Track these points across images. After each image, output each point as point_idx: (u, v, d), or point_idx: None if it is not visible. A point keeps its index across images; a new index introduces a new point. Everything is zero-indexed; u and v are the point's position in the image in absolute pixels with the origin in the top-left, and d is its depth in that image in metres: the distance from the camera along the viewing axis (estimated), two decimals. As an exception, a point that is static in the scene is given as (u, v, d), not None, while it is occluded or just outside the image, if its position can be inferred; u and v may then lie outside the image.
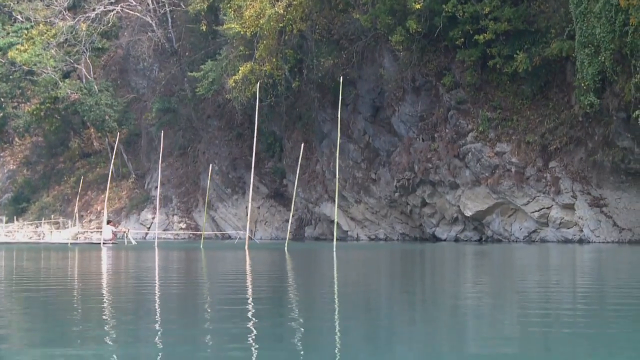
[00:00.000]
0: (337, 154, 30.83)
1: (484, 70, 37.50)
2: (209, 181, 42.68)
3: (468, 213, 37.51)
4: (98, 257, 24.94)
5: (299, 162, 34.59)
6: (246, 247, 30.20)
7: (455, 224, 39.10)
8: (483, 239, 38.61)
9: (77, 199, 47.77)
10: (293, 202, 35.46)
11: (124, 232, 40.81)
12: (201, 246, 31.68)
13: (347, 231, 44.53)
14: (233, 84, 42.04)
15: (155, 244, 35.71)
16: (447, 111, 38.42)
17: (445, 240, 39.47)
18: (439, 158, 38.24)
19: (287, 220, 51.00)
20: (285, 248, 28.75)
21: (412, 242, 40.66)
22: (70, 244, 39.16)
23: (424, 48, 38.74)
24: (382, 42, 40.37)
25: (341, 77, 38.56)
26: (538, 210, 35.91)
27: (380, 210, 42.94)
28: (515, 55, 35.82)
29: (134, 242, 39.38)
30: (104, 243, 37.65)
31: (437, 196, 38.99)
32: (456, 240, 39.21)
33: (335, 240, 30.59)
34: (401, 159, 39.78)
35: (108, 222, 40.39)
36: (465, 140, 37.48)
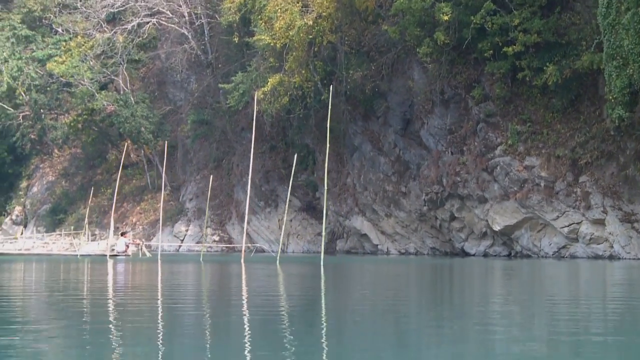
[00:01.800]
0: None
1: (513, 82, 37.54)
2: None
3: (496, 228, 37.49)
4: (144, 270, 25.50)
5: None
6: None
7: (484, 239, 39.09)
8: (512, 254, 38.53)
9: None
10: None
11: (139, 244, 41.41)
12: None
13: (377, 245, 44.73)
14: (262, 96, 42.56)
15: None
16: (476, 124, 38.50)
17: (474, 255, 39.46)
18: (467, 172, 38.30)
19: (319, 234, 51.46)
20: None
21: (441, 256, 40.68)
22: (109, 255, 39.78)
23: (453, 60, 38.91)
24: (412, 54, 40.62)
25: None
26: (568, 226, 35.76)
27: (410, 224, 43.07)
28: (545, 68, 35.77)
29: (148, 254, 39.94)
30: (115, 255, 38.29)
31: (466, 210, 39.04)
32: (485, 255, 39.18)
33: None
34: (430, 172, 39.92)
35: (122, 234, 41.06)
36: (494, 154, 37.51)
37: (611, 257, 34.67)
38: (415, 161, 41.94)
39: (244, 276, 21.50)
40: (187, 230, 57.24)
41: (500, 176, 37.11)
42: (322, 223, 51.27)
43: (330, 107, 31.95)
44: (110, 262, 31.62)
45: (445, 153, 39.66)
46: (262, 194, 53.15)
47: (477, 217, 38.58)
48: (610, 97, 32.00)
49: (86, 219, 51.25)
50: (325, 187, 31.79)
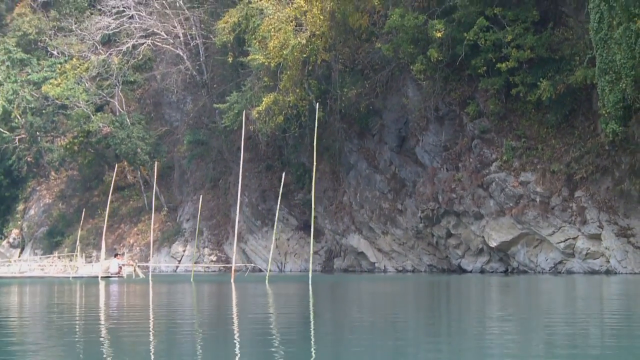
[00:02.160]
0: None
1: (507, 98, 37.68)
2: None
3: (493, 244, 37.51)
4: (135, 292, 25.53)
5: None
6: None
7: (480, 255, 39.10)
8: (509, 270, 38.53)
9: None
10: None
11: (132, 265, 41.42)
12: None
13: (374, 263, 44.72)
14: (257, 115, 42.68)
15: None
16: (471, 140, 38.61)
17: (471, 271, 39.46)
18: (463, 188, 38.37)
19: (316, 252, 51.45)
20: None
21: (439, 274, 40.67)
22: (101, 277, 39.73)
23: (447, 77, 39.07)
24: (406, 71, 40.78)
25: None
26: (564, 241, 35.79)
27: (407, 242, 43.09)
28: (539, 83, 35.91)
29: (142, 275, 39.95)
30: (108, 277, 38.30)
31: (462, 227, 39.07)
32: (482, 271, 39.18)
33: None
34: (425, 189, 39.98)
35: (116, 255, 41.09)
36: (489, 170, 37.60)
37: (608, 272, 34.69)
38: (411, 178, 42.01)
39: (230, 296, 21.57)
40: (184, 251, 57.20)
41: (496, 192, 37.18)
42: (319, 242, 51.54)
43: (316, 125, 32.38)
44: (102, 284, 31.62)
45: (440, 170, 39.74)
46: (258, 214, 53.16)
47: (473, 234, 38.61)
48: (604, 112, 32.13)
49: (78, 241, 51.11)
50: (313, 206, 32.22)
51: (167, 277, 45.93)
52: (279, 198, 34.76)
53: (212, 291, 24.92)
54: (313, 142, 46.11)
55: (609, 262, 34.79)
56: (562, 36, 36.88)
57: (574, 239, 35.65)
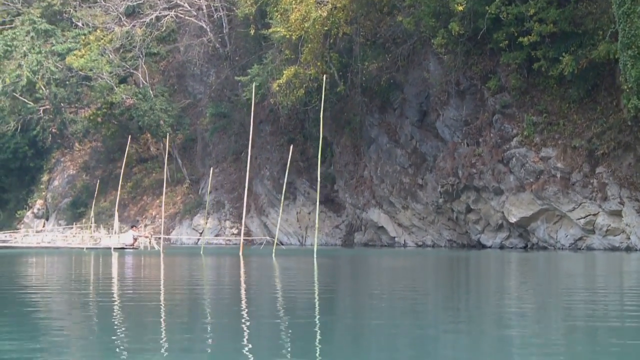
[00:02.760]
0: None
1: (529, 73, 37.38)
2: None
3: (512, 219, 37.42)
4: (141, 263, 25.80)
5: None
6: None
7: (500, 231, 39.03)
8: (528, 246, 38.44)
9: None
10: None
11: (147, 237, 41.67)
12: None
13: (394, 237, 44.78)
14: (277, 88, 42.70)
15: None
16: (492, 115, 38.43)
17: (490, 247, 39.40)
18: (483, 163, 38.24)
19: (338, 226, 51.59)
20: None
21: (458, 249, 40.65)
22: (114, 248, 40.08)
23: (468, 51, 38.83)
24: (427, 45, 40.58)
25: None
26: (584, 217, 35.62)
27: (427, 217, 43.07)
28: (561, 58, 35.57)
29: (157, 247, 40.20)
30: (122, 248, 38.61)
31: (482, 202, 38.99)
32: (501, 247, 39.12)
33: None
34: (445, 164, 39.90)
35: (132, 227, 41.39)
36: (509, 145, 37.42)
37: (628, 249, 34.52)
38: (431, 153, 41.91)
39: (227, 269, 21.72)
40: (205, 223, 57.48)
41: (516, 167, 37.03)
42: (340, 216, 51.64)
43: (323, 102, 31.98)
44: (115, 255, 31.89)
45: (460, 145, 39.62)
46: (280, 187, 53.25)
47: (493, 209, 38.53)
48: (626, 87, 31.84)
49: (92, 213, 51.38)
50: (319, 178, 31.83)
51: (181, 249, 46.27)
52: (287, 170, 34.42)
53: (214, 264, 25.00)
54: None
55: (629, 238, 34.62)
56: (585, 10, 36.47)
57: (594, 215, 35.46)
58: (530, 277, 17.61)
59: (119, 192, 44.14)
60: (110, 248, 39.75)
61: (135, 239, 40.45)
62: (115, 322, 8.88)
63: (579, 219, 35.72)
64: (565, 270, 21.55)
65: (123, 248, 39.28)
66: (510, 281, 16.33)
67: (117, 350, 6.88)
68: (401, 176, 43.41)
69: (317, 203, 33.04)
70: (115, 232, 43.51)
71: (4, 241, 58.59)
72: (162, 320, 9.20)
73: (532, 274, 19.01)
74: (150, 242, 40.26)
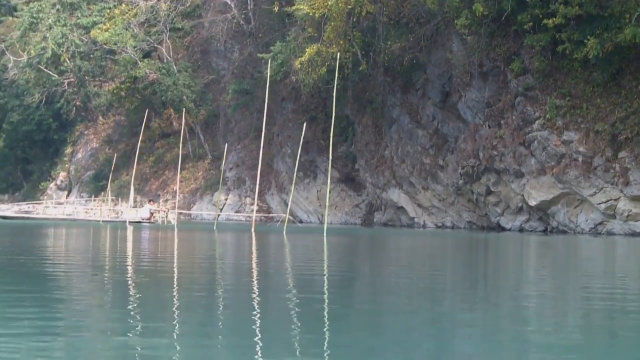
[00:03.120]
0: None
1: (554, 56, 37.01)
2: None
3: (532, 203, 37.23)
4: (161, 238, 25.94)
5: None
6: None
7: (520, 214, 38.86)
8: (548, 229, 38.27)
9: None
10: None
11: (164, 211, 41.84)
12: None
13: (413, 218, 44.72)
14: (299, 66, 42.60)
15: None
16: (514, 97, 38.15)
17: (510, 229, 39.27)
18: (504, 145, 38.03)
19: (358, 205, 51.57)
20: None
21: (477, 231, 40.55)
22: (129, 222, 40.25)
23: (492, 32, 38.50)
24: (451, 25, 40.28)
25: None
26: (605, 202, 35.34)
27: (447, 198, 42.95)
28: (586, 41, 35.18)
29: (173, 222, 40.38)
30: (138, 222, 38.84)
31: (502, 185, 38.81)
32: (521, 230, 38.96)
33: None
34: (466, 145, 39.72)
35: (149, 201, 41.58)
36: (531, 128, 37.16)
37: (649, 235, 34.30)
38: (453, 134, 41.72)
39: (235, 244, 21.79)
40: (226, 199, 57.64)
41: (538, 150, 36.79)
42: (360, 195, 51.62)
43: (336, 81, 31.91)
44: (130, 229, 32.07)
45: (482, 126, 39.40)
46: (301, 165, 53.24)
47: (513, 192, 38.35)
48: (651, 72, 31.51)
49: (109, 187, 51.55)
50: (330, 158, 31.62)
51: (197, 224, 46.45)
52: (299, 148, 34.23)
53: (224, 240, 25.10)
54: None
55: (650, 224, 34.38)
56: (612, -8, 36.03)
57: (615, 200, 35.19)
58: (549, 261, 17.49)
59: (135, 167, 44.25)
60: (125, 221, 40.01)
61: (152, 214, 40.66)
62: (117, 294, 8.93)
63: (599, 203, 35.45)
64: (585, 254, 21.47)
65: (139, 222, 39.48)
66: (529, 264, 16.24)
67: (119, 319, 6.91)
68: (422, 157, 43.28)
69: (329, 183, 33.23)
70: (130, 206, 43.77)
71: (26, 212, 59.15)
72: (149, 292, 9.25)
73: (551, 258, 18.91)
74: (167, 217, 40.39)
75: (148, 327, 6.86)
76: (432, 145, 42.89)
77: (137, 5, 62.18)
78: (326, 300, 8.94)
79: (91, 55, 65.15)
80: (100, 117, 72.50)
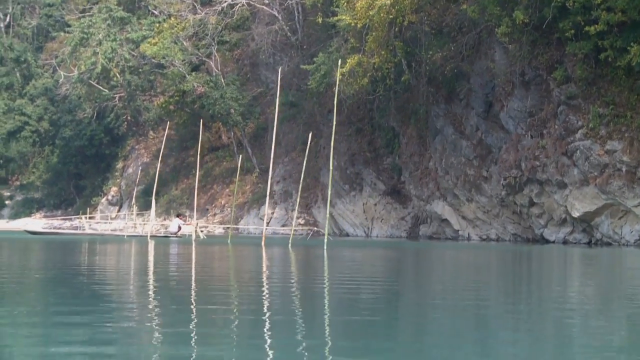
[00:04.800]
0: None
1: (597, 63, 36.83)
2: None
3: (576, 214, 37.03)
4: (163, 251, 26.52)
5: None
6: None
7: (563, 225, 38.67)
8: (592, 241, 37.98)
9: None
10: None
11: (193, 225, 42.44)
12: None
13: (458, 230, 44.73)
14: (340, 77, 43.01)
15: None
16: (557, 106, 38.05)
17: (554, 242, 39.07)
18: (546, 156, 37.92)
19: (403, 218, 51.70)
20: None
21: (522, 243, 40.39)
22: (150, 236, 40.83)
23: (534, 41, 38.48)
24: (493, 34, 40.36)
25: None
26: (650, 213, 35.08)
27: (492, 210, 42.91)
28: (629, 48, 34.98)
29: (202, 236, 40.92)
30: (166, 236, 39.61)
31: (545, 196, 38.68)
32: (565, 242, 38.74)
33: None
34: (509, 156, 39.69)
35: (178, 216, 42.42)
36: (574, 137, 37.00)
37: (695, 246, 33.89)
38: (497, 145, 41.73)
39: (235, 258, 22.14)
40: (272, 213, 58.19)
41: (580, 160, 36.62)
42: (406, 207, 51.76)
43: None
44: (151, 243, 32.53)
45: (524, 136, 39.35)
46: (347, 177, 53.66)
47: (556, 203, 38.18)
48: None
49: (133, 200, 52.21)
50: (332, 169, 31.72)
51: (239, 238, 46.82)
52: (305, 159, 34.34)
53: (224, 254, 25.25)
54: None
55: (696, 236, 33.99)
56: (656, -2, 35.74)
57: (660, 210, 34.90)
58: (592, 277, 17.01)
59: (156, 178, 45.57)
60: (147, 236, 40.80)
61: (179, 228, 41.52)
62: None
63: (644, 214, 35.18)
64: (630, 266, 21.25)
65: (167, 236, 40.21)
66: (573, 280, 15.77)
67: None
68: (466, 168, 43.33)
69: (329, 196, 32.90)
70: (151, 221, 44.70)
71: (76, 227, 60.59)
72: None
73: (594, 274, 18.49)
74: (196, 231, 41.01)
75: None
76: (476, 156, 42.93)
77: (186, 18, 63.30)
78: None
79: (140, 70, 66.45)
80: (151, 132, 73.76)
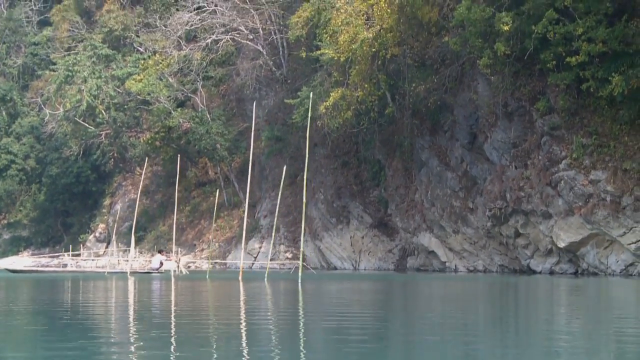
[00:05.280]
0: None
1: (579, 94, 36.99)
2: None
3: (561, 244, 37.04)
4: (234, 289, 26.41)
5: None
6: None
7: (550, 256, 38.66)
8: (579, 272, 37.97)
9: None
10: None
11: (175, 261, 42.38)
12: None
13: (445, 262, 44.69)
14: (324, 110, 43.16)
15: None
16: (540, 137, 38.18)
17: (540, 272, 39.04)
18: (531, 186, 37.99)
19: (391, 251, 51.62)
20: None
21: (509, 274, 40.33)
22: (130, 272, 40.65)
23: (517, 72, 38.68)
24: (476, 66, 40.56)
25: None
26: (635, 242, 35.04)
27: (478, 241, 42.90)
28: (610, 78, 35.14)
29: (184, 272, 40.84)
30: (148, 272, 39.49)
31: (531, 226, 38.70)
32: (551, 272, 38.72)
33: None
34: (493, 187, 39.76)
35: (159, 252, 42.36)
36: (558, 168, 37.09)
37: (681, 276, 33.88)
38: (482, 176, 41.81)
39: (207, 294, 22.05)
40: (260, 248, 58.07)
41: (565, 191, 36.69)
42: (393, 240, 51.69)
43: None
44: (131, 280, 32.39)
45: (509, 167, 39.44)
46: (333, 211, 53.60)
47: (542, 234, 38.20)
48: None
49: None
50: (305, 200, 31.93)
51: (223, 273, 46.68)
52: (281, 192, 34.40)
53: (201, 289, 25.18)
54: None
55: (682, 265, 33.99)
56: (636, 28, 35.82)
57: (646, 240, 34.90)
58: (578, 309, 16.82)
59: (135, 214, 45.28)
60: (127, 272, 40.66)
61: (161, 263, 41.45)
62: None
63: (629, 244, 35.17)
64: (616, 296, 21.17)
65: (149, 272, 40.09)
66: (560, 311, 15.62)
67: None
68: (452, 200, 43.36)
69: (303, 229, 32.90)
70: (132, 257, 44.64)
71: (64, 265, 60.37)
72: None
73: (580, 305, 18.31)
74: (178, 267, 40.93)
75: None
76: (461, 188, 42.98)
77: (171, 55, 63.49)
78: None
79: (126, 106, 66.53)
80: (137, 168, 73.65)
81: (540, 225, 38.07)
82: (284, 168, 35.39)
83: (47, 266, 62.58)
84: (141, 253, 63.34)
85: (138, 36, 71.79)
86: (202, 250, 62.67)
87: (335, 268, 52.75)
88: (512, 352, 8.74)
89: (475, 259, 43.49)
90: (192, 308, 15.82)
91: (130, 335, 10.28)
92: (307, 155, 31.76)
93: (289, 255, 57.07)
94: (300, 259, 32.92)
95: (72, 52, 74.67)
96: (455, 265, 44.29)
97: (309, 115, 33.56)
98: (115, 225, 73.93)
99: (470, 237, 43.08)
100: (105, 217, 76.15)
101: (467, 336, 10.23)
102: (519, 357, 8.26)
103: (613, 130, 36.39)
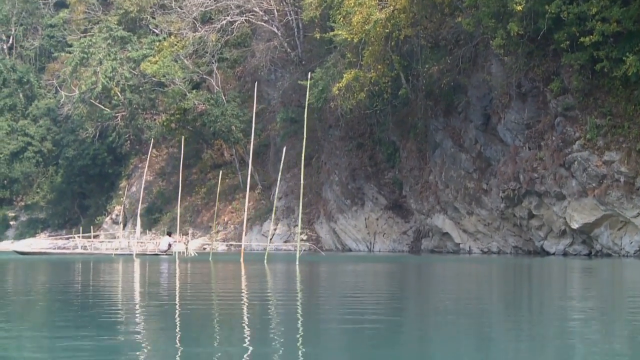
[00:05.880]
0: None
1: (593, 74, 36.85)
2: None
3: (575, 225, 37.02)
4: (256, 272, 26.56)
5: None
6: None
7: (563, 237, 38.65)
8: (592, 253, 37.96)
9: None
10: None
11: (183, 243, 42.61)
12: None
13: (459, 244, 44.75)
14: (337, 92, 43.22)
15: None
16: (554, 118, 38.09)
17: (554, 254, 39.04)
18: (544, 167, 37.96)
19: (405, 232, 51.75)
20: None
21: (523, 256, 40.33)
22: (136, 254, 40.78)
23: (531, 52, 38.56)
24: (489, 47, 40.47)
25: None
26: (649, 223, 35.04)
27: (492, 222, 42.93)
28: (624, 58, 35.00)
29: (192, 254, 41.02)
30: (156, 254, 39.71)
31: (544, 207, 38.69)
32: (565, 254, 38.71)
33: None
34: (507, 168, 39.75)
35: (169, 234, 42.61)
36: (572, 149, 37.02)
37: (695, 256, 33.84)
38: (496, 157, 41.79)
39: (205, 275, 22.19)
40: (275, 229, 58.27)
41: (578, 172, 36.63)
42: (408, 222, 51.81)
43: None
44: (136, 262, 32.45)
45: (522, 148, 39.41)
46: (348, 192, 53.74)
47: (555, 215, 38.19)
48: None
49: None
50: (302, 184, 31.89)
51: (237, 255, 46.67)
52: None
53: (204, 271, 25.16)
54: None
55: (697, 245, 33.94)
56: (651, 8, 35.76)
57: (660, 221, 34.86)
58: (592, 290, 16.72)
59: (141, 196, 45.55)
60: (132, 254, 40.81)
61: (169, 245, 41.71)
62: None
63: (643, 225, 35.14)
64: (630, 278, 21.14)
65: (157, 254, 40.34)
66: (573, 293, 15.56)
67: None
68: (465, 181, 43.38)
69: (300, 213, 32.98)
70: (136, 239, 44.93)
71: (85, 247, 60.83)
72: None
73: (593, 286, 18.23)
74: (187, 249, 41.20)
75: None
76: (475, 169, 42.98)
77: (186, 36, 63.62)
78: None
79: (141, 88, 66.78)
80: (154, 150, 73.98)
81: (553, 207, 38.05)
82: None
83: (65, 248, 63.02)
84: (156, 235, 63.81)
85: (153, 18, 71.99)
86: (218, 232, 62.94)
87: (350, 250, 52.93)
88: (526, 332, 8.85)
89: (489, 241, 43.53)
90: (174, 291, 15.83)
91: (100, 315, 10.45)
92: (304, 140, 31.81)
93: (304, 237, 57.26)
94: (297, 241, 32.74)
95: (88, 34, 75.00)
96: (469, 247, 44.34)
97: (307, 100, 33.31)
98: (131, 208, 74.54)
99: (484, 218, 43.11)
100: (122, 199, 76.51)
101: (481, 317, 10.33)
102: (531, 337, 8.37)
103: (627, 110, 36.24)
